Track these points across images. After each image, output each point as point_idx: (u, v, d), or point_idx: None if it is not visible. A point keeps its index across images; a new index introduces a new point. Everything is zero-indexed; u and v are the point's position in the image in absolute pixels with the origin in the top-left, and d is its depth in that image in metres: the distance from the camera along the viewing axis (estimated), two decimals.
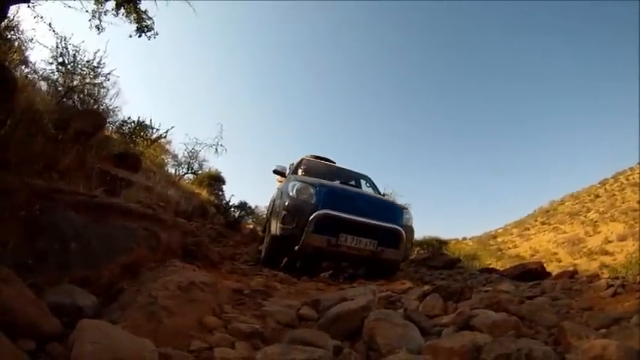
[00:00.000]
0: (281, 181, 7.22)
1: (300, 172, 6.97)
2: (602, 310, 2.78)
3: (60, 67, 7.74)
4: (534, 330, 2.34)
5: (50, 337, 1.56)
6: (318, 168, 7.25)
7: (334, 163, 8.18)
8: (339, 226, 5.02)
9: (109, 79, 8.17)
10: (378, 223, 5.23)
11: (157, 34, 8.15)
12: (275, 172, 7.38)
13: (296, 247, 4.96)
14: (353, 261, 5.67)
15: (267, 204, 8.73)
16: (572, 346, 1.87)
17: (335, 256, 5.37)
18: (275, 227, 5.26)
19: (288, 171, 7.37)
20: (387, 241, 5.25)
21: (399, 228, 5.39)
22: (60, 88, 7.28)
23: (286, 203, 5.18)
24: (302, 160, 7.65)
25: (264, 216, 10.47)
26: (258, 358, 1.56)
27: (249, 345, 1.86)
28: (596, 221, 48.90)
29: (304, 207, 5.09)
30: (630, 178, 55.61)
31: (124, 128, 9.66)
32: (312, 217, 4.91)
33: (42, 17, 7.20)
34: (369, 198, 6.07)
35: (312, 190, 5.28)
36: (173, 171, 14.02)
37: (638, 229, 37.81)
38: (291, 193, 5.25)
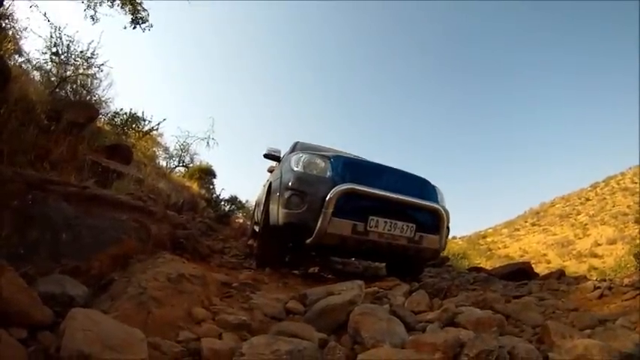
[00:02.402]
0: (272, 170, 6.24)
1: None
2: (587, 311, 2.84)
3: (53, 57, 7.75)
4: (519, 329, 2.40)
5: (42, 326, 1.58)
6: (318, 149, 5.58)
7: None
8: (366, 206, 3.82)
9: (102, 70, 8.19)
10: (416, 200, 4.06)
11: (152, 26, 8.21)
12: (266, 156, 6.05)
13: (308, 240, 3.74)
14: (383, 255, 4.67)
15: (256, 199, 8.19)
16: (556, 345, 1.93)
17: (362, 249, 4.10)
18: (276, 214, 3.94)
19: (282, 155, 5.91)
20: (425, 224, 4.14)
21: (439, 207, 4.25)
22: (53, 79, 7.26)
23: (290, 181, 3.91)
24: (297, 142, 6.12)
25: (252, 210, 10.07)
26: (244, 349, 1.59)
27: (236, 336, 1.89)
28: (586, 224, 49.37)
29: (316, 184, 3.85)
30: (621, 182, 56.24)
31: (116, 120, 9.72)
32: (330, 194, 3.64)
33: (37, 6, 7.23)
34: (395, 170, 4.48)
35: (324, 163, 4.07)
36: (164, 164, 14.11)
37: (627, 232, 38.16)
38: (296, 168, 4.03)
